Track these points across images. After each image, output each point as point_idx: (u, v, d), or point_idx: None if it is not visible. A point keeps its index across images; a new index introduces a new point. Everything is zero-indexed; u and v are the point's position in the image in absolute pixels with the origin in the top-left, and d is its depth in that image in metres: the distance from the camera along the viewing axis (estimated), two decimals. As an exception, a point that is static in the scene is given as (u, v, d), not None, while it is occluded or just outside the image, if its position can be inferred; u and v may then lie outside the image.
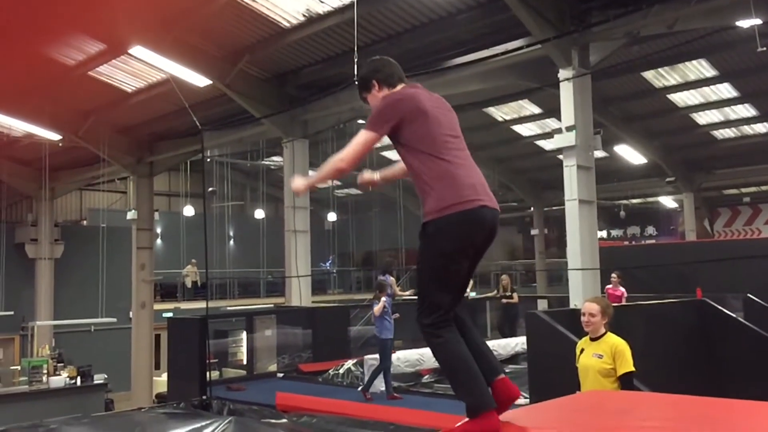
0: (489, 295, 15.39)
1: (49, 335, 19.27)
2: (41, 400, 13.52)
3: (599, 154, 13.32)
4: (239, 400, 9.16)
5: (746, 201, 23.87)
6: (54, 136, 16.15)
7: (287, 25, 11.82)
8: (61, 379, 13.97)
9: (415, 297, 3.22)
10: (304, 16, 11.56)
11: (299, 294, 13.43)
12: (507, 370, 10.54)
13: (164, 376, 14.22)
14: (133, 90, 14.49)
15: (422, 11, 11.17)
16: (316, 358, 11.81)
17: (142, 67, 13.12)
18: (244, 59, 12.67)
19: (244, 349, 13.36)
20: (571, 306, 9.21)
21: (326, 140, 19.78)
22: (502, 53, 10.55)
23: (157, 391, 16.48)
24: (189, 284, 23.35)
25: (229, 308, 20.04)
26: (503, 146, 21.47)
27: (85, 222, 24.80)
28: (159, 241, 23.73)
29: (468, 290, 12.91)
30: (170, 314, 16.28)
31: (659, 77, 15.59)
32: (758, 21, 8.92)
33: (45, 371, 14.09)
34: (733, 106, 16.98)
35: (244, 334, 12.98)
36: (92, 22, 11.45)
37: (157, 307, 19.37)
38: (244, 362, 13.08)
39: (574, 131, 9.84)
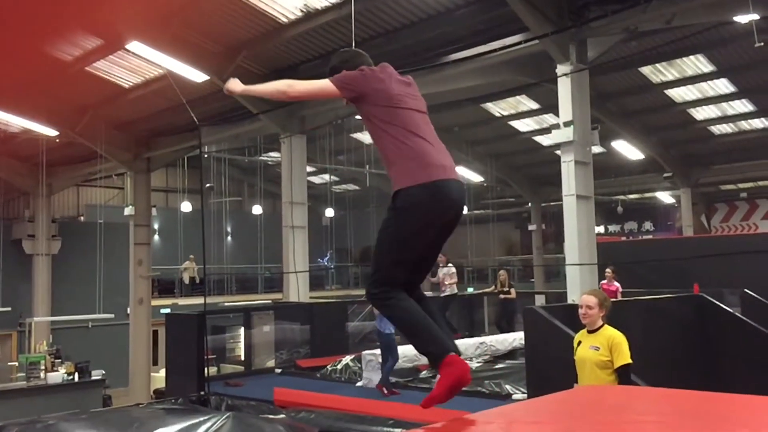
0: (487, 290, 15.41)
1: (46, 331, 19.26)
2: (39, 396, 13.52)
3: (597, 149, 13.33)
4: (237, 396, 9.17)
5: (743, 196, 23.91)
6: (51, 132, 16.12)
7: (285, 20, 11.80)
8: (58, 375, 13.98)
9: None
10: (301, 11, 11.54)
11: (297, 290, 13.44)
12: (504, 365, 10.61)
13: (162, 372, 14.23)
14: (130, 86, 14.45)
15: (420, 7, 11.16)
16: (314, 353, 11.82)
17: (140, 62, 13.09)
18: (241, 55, 12.65)
19: (241, 345, 13.38)
20: (569, 301, 9.23)
21: (324, 136, 19.80)
22: (500, 49, 10.54)
23: (155, 387, 16.49)
24: (187, 280, 23.35)
25: (226, 304, 20.06)
26: (501, 142, 21.48)
27: (82, 218, 24.78)
28: (156, 237, 23.71)
29: (452, 288, 12.71)
30: (168, 310, 16.28)
31: (657, 73, 15.59)
32: (756, 16, 8.93)
33: (43, 367, 14.10)
34: (730, 102, 17.00)
35: (241, 330, 13.00)
36: (89, 18, 11.43)
37: (155, 303, 19.38)
38: (242, 358, 13.10)
39: (571, 127, 9.84)
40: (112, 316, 18.01)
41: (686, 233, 20.73)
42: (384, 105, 3.00)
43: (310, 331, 12.30)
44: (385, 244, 2.96)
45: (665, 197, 25.16)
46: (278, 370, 11.60)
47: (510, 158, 23.27)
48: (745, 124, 18.36)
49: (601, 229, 25.18)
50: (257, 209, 25.67)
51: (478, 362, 11.20)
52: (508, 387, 8.84)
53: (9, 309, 19.44)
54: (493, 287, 13.92)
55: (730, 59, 14.58)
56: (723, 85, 16.08)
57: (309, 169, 15.82)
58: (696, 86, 16.22)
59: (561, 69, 10.09)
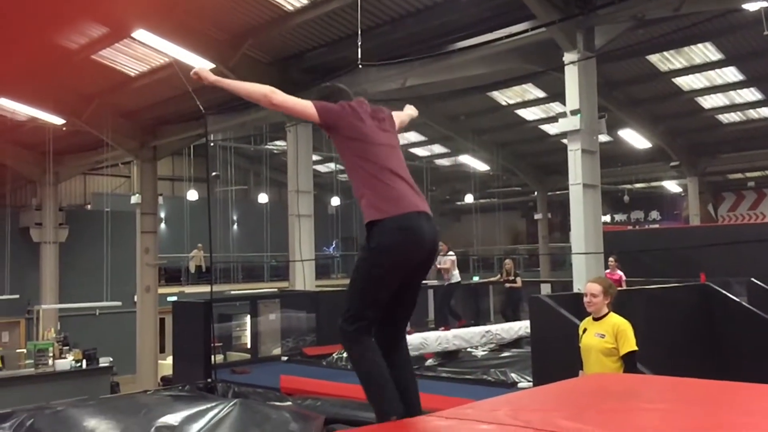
0: (492, 279, 15.41)
1: (54, 318, 19.39)
2: (47, 382, 13.63)
3: (603, 138, 13.28)
4: (244, 383, 9.21)
5: (751, 185, 23.82)
6: (57, 120, 16.14)
7: (290, 8, 11.75)
8: (66, 362, 14.08)
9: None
10: (307, -1, 11.50)
11: (303, 278, 13.47)
12: (510, 354, 10.63)
13: (169, 360, 14.33)
14: (136, 74, 14.45)
15: (426, -6, 11.10)
16: (320, 341, 11.86)
17: (145, 50, 13.08)
18: (247, 43, 12.62)
19: (248, 333, 13.43)
20: (575, 290, 9.23)
21: (330, 124, 19.75)
22: (507, 37, 10.49)
23: (162, 374, 16.60)
24: (193, 269, 23.43)
25: (233, 292, 20.13)
26: (507, 130, 21.42)
27: (89, 206, 24.85)
28: (163, 225, 23.78)
29: (442, 279, 12.69)
30: (175, 298, 16.37)
31: (664, 61, 15.49)
32: (765, 4, 8.86)
33: (51, 354, 14.20)
34: (738, 90, 16.89)
35: (248, 318, 13.04)
36: (95, 6, 11.42)
37: (162, 291, 19.46)
38: (249, 346, 13.15)
39: (578, 115, 9.80)
40: (120, 303, 18.11)
41: (693, 222, 20.66)
42: (358, 139, 3.10)
43: (316, 320, 12.34)
44: (357, 282, 3.03)
45: (672, 186, 25.07)
46: (284, 358, 11.65)
47: (516, 147, 23.21)
48: (753, 113, 18.25)
49: (607, 218, 25.14)
50: (263, 198, 25.70)
51: (483, 351, 11.23)
52: (513, 375, 8.86)
53: (17, 296, 19.57)
54: (499, 276, 13.92)
55: (738, 47, 14.48)
56: (731, 74, 15.98)
57: (315, 157, 15.81)
58: (704, 74, 16.12)
59: (568, 57, 10.04)
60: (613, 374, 4.52)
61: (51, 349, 14.37)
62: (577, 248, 9.84)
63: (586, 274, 9.39)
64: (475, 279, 19.67)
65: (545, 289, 15.56)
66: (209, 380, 9.33)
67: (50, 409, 7.41)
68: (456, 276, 12.11)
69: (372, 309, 2.97)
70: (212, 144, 21.53)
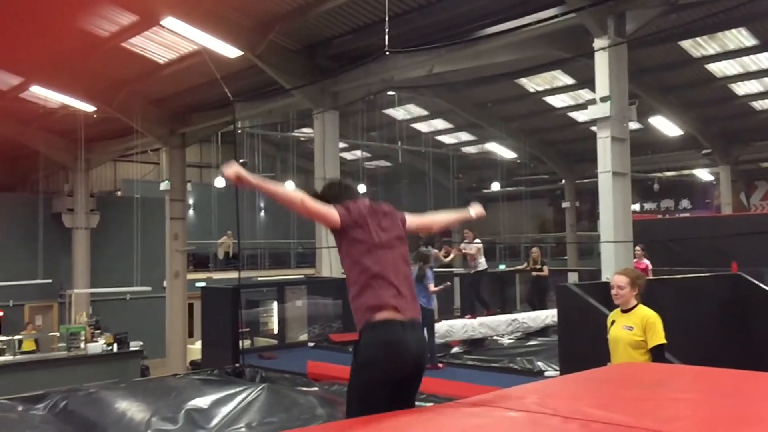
0: (519, 267, 15.34)
1: (86, 303, 19.77)
2: (79, 365, 13.92)
3: (633, 125, 13.10)
4: (271, 368, 9.33)
5: (785, 174, 23.35)
6: (88, 108, 16.36)
7: (318, -5, 11.74)
8: (98, 346, 14.36)
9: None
10: (335, -15, 11.46)
11: (330, 265, 13.52)
12: (536, 342, 10.60)
13: (198, 344, 14.52)
14: (165, 62, 14.57)
15: (454, -20, 11.01)
16: (346, 328, 11.93)
17: (174, 38, 13.17)
18: (274, 30, 12.63)
19: (275, 319, 13.56)
20: (603, 279, 9.15)
21: (356, 111, 19.75)
22: (535, 22, 10.35)
23: (190, 359, 16.83)
24: (222, 255, 23.65)
25: (260, 279, 20.30)
26: (535, 118, 21.23)
27: (119, 193, 25.22)
28: (191, 212, 24.04)
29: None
30: (203, 284, 16.55)
31: (697, 46, 15.21)
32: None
33: (83, 338, 14.49)
34: (773, 77, 16.54)
35: (275, 305, 13.15)
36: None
37: (190, 276, 19.69)
38: (275, 332, 13.28)
39: (608, 102, 9.67)
40: (149, 288, 18.38)
41: (725, 211, 20.32)
42: (361, 242, 3.16)
43: (343, 306, 12.41)
44: (352, 401, 3.11)
45: (704, 175, 24.65)
46: (311, 344, 11.74)
47: (544, 134, 23.00)
48: (788, 100, 17.88)
49: (636, 207, 24.81)
50: (290, 185, 25.81)
51: (509, 339, 11.21)
52: (540, 364, 8.84)
53: (50, 281, 19.96)
54: (526, 264, 13.84)
55: (774, 32, 14.15)
56: (766, 60, 15.63)
57: (341, 145, 15.81)
58: (737, 60, 15.79)
59: (598, 43, 9.90)
60: (642, 363, 4.48)
61: (83, 332, 14.67)
62: (606, 237, 9.75)
63: (615, 263, 9.31)
64: (502, 267, 19.59)
65: (572, 277, 15.46)
66: (237, 365, 9.46)
67: (83, 390, 7.59)
68: (482, 264, 12.05)
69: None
70: (240, 131, 21.66)
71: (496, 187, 25.95)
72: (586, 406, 2.30)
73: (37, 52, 13.86)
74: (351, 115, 19.62)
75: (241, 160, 22.64)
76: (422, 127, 23.47)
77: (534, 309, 12.54)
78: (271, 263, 25.02)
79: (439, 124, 23.17)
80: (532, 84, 18.43)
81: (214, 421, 6.37)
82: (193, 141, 19.73)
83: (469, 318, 10.98)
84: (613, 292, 4.97)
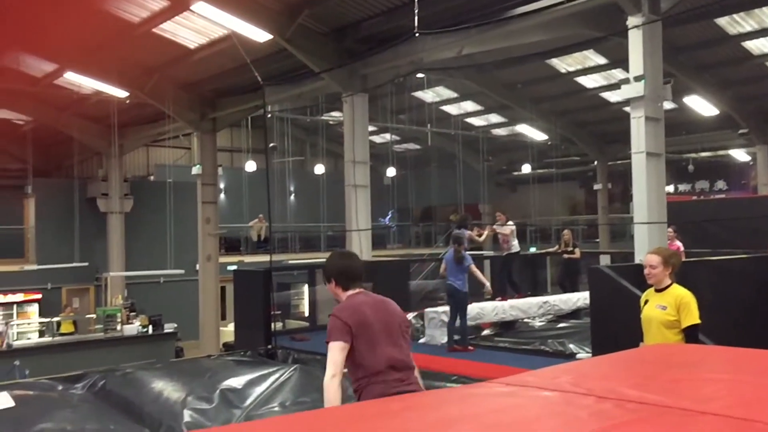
0: (550, 250, 15.23)
1: (121, 286, 20.15)
2: (116, 346, 14.24)
3: (668, 105, 12.85)
4: (303, 350, 9.42)
5: (825, 154, 22.67)
6: (121, 93, 16.58)
7: (347, -23, 11.69)
8: (133, 328, 14.66)
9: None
10: (363, -33, 11.40)
11: (360, 248, 13.57)
12: (567, 324, 10.54)
13: (230, 326, 14.73)
14: (195, 47, 14.67)
15: (484, -41, 10.86)
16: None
17: (204, 23, 13.25)
18: (303, 13, 12.63)
19: (306, 302, 13.68)
20: (636, 261, 9.05)
21: (385, 94, 19.70)
22: (567, 1, 10.19)
23: (223, 341, 17.08)
24: (254, 238, 23.88)
25: (290, 262, 20.47)
26: (566, 99, 20.96)
27: (152, 177, 25.56)
28: (222, 196, 24.29)
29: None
30: (234, 267, 16.76)
31: (734, 24, 14.84)
32: None
33: (119, 320, 14.80)
34: (813, 54, 16.08)
35: (305, 287, 13.26)
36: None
37: (222, 260, 19.94)
38: (306, 314, 13.40)
39: (642, 81, 9.49)
40: (183, 271, 18.66)
41: (762, 192, 19.89)
42: (361, 340, 3.52)
43: (373, 289, 12.34)
44: None
45: (740, 155, 24.12)
46: (342, 326, 11.81)
47: (575, 115, 22.70)
48: (829, 77, 17.36)
49: (670, 188, 24.41)
50: (319, 168, 25.90)
51: (540, 321, 11.17)
52: (572, 346, 8.80)
53: (86, 264, 20.39)
54: (557, 247, 13.74)
55: (815, 7, 13.74)
56: (806, 36, 15.22)
57: (370, 128, 15.79)
58: (776, 38, 15.39)
59: (632, 21, 9.70)
60: (676, 344, 4.43)
61: (119, 314, 14.97)
62: (640, 218, 9.61)
63: (649, 245, 9.18)
64: (533, 250, 19.47)
65: (604, 260, 15.30)
66: (270, 346, 9.58)
67: (120, 371, 7.77)
68: (515, 246, 12.01)
69: None
70: (269, 115, 21.77)
71: (526, 169, 25.72)
72: (621, 386, 2.28)
73: (70, 39, 14.06)
74: (380, 98, 19.56)
75: (271, 144, 22.76)
76: (452, 109, 23.33)
77: (565, 291, 12.47)
78: (301, 246, 25.22)
79: (469, 106, 23.00)
80: (563, 64, 18.18)
81: (249, 401, 6.48)
82: (224, 126, 19.88)
83: (499, 300, 10.96)
84: (645, 271, 4.92)
